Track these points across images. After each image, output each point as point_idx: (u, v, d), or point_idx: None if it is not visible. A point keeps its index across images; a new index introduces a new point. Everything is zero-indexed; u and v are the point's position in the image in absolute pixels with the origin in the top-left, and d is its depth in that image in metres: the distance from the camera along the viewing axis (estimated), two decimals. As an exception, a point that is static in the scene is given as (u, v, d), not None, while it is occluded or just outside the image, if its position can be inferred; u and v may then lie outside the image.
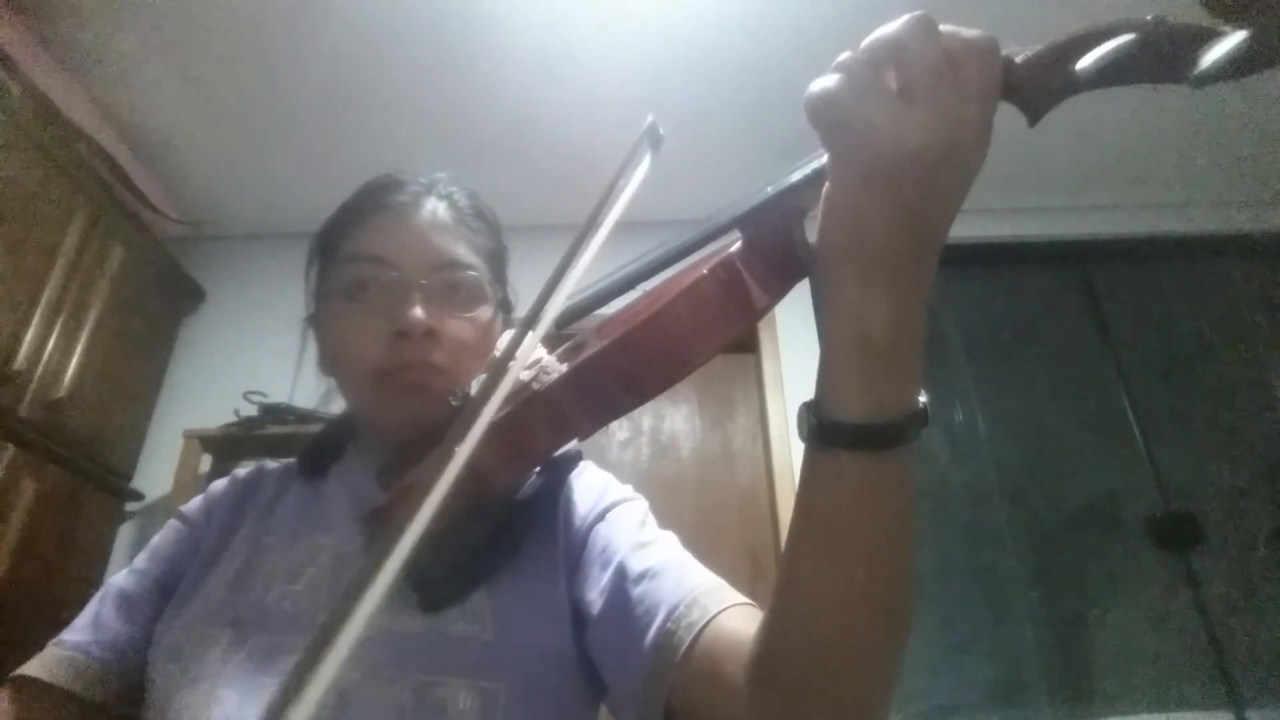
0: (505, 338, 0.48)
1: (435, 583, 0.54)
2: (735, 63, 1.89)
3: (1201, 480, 2.18)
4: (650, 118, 0.55)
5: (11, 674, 0.58)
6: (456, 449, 0.36)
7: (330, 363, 0.66)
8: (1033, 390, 2.35)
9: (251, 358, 2.16)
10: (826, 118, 0.34)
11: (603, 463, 0.69)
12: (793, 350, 2.24)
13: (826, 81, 0.34)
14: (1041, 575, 2.10)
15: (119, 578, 0.65)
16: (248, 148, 2.10)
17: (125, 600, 0.62)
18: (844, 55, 0.34)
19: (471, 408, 0.40)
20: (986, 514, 2.17)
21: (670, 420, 2.24)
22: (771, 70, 1.91)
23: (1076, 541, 2.14)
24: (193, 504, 0.70)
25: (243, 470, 0.73)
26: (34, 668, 0.58)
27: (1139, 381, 2.33)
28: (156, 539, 0.68)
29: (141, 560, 0.66)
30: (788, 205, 0.40)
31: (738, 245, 0.40)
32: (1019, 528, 2.16)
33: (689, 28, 1.79)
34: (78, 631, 0.61)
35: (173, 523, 0.69)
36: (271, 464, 0.73)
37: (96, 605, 0.63)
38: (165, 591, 0.62)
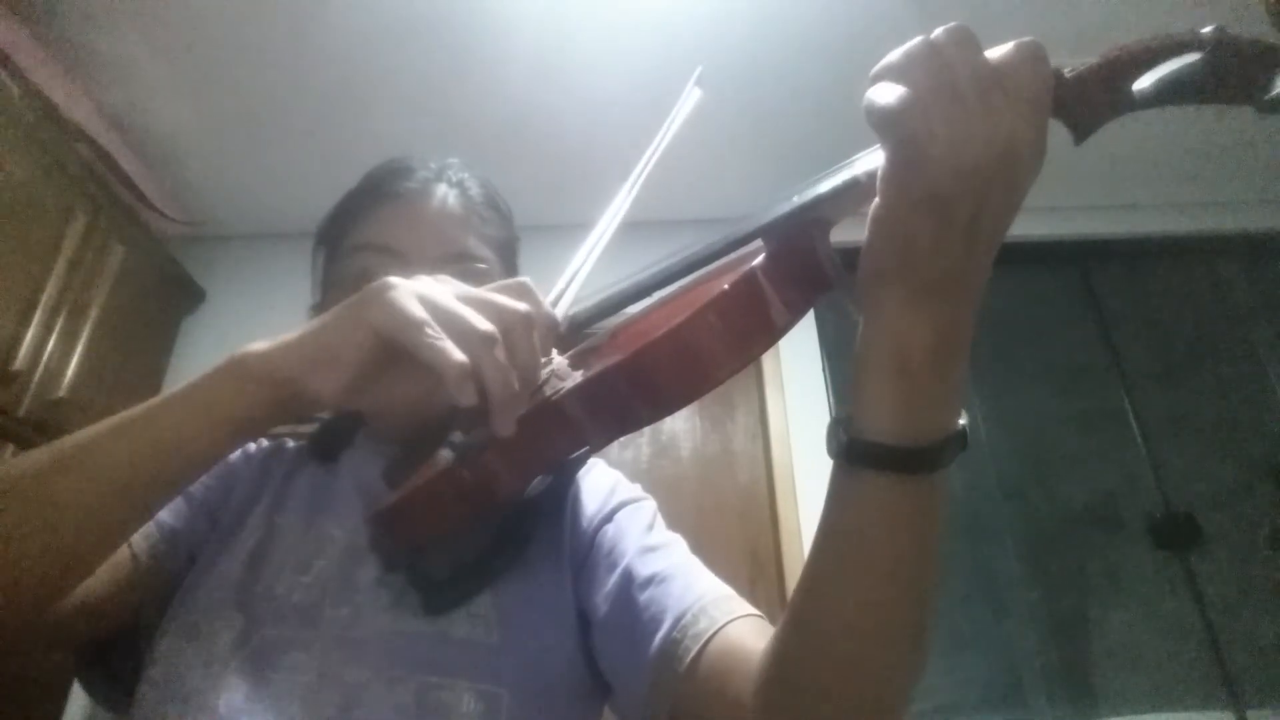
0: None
1: (439, 586, 0.54)
2: (736, 64, 1.89)
3: (1201, 480, 2.18)
4: (699, 69, 0.55)
5: None
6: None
7: None
8: (1033, 390, 2.35)
9: (251, 358, 2.15)
10: (899, 126, 0.31)
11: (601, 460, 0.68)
12: (793, 350, 2.24)
13: (896, 90, 0.31)
14: (1041, 575, 2.10)
15: None
16: (248, 148, 2.10)
17: (182, 497, 0.60)
18: (895, 59, 0.32)
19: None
20: (986, 514, 2.17)
21: (670, 420, 2.23)
22: (773, 71, 1.91)
23: (1076, 541, 2.14)
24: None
25: (267, 440, 0.71)
26: None
27: (1139, 381, 2.33)
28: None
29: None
30: (813, 217, 0.38)
31: (760, 259, 0.38)
32: (1019, 528, 2.16)
33: (689, 28, 1.79)
34: None
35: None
36: (290, 442, 0.72)
37: None
38: (214, 519, 0.60)
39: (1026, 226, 2.43)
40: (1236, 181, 2.43)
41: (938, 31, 0.31)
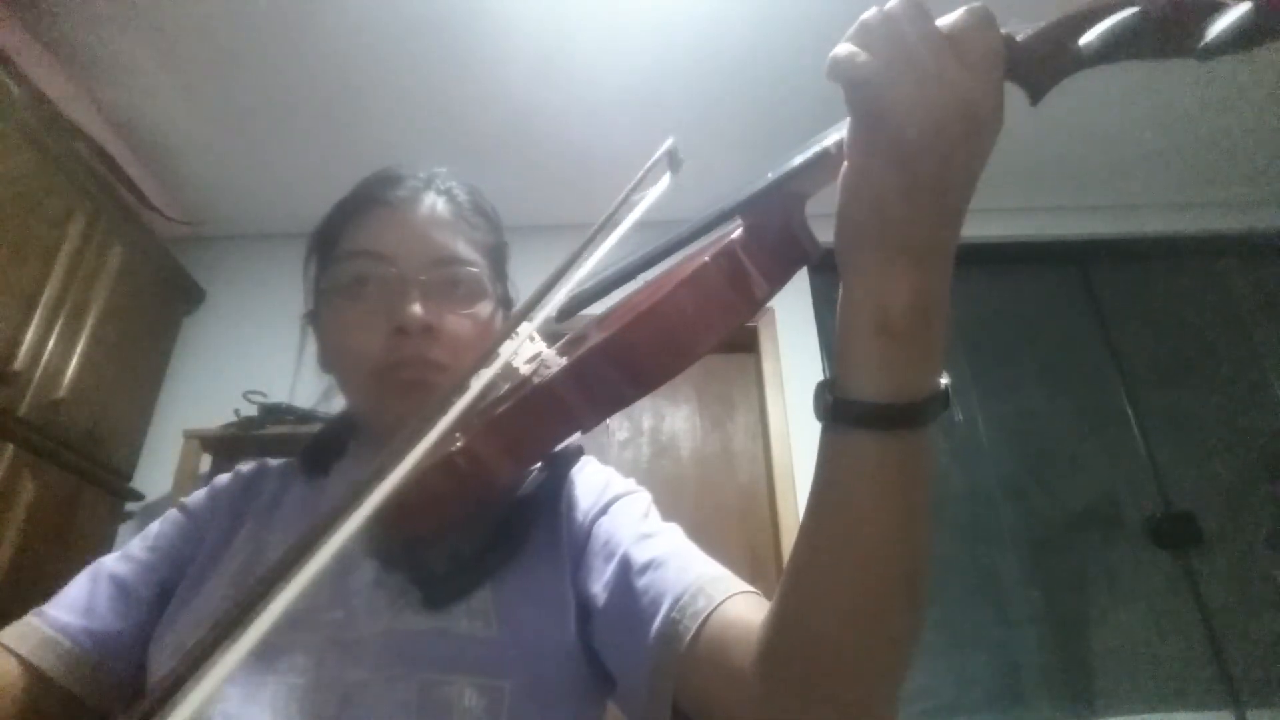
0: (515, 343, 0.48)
1: (439, 579, 0.54)
2: (735, 63, 1.89)
3: (1201, 480, 2.18)
4: (670, 140, 0.55)
5: None
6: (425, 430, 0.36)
7: (329, 360, 0.66)
8: (1033, 390, 2.35)
9: (251, 358, 2.16)
10: (864, 86, 0.33)
11: (603, 462, 0.68)
12: (793, 350, 2.24)
13: (858, 56, 0.33)
14: (1041, 575, 2.10)
15: (113, 561, 0.63)
16: (248, 148, 2.10)
17: (123, 593, 0.61)
18: (853, 31, 0.34)
19: (445, 396, 0.41)
20: (986, 514, 2.17)
21: (670, 420, 2.24)
22: (772, 70, 1.91)
23: (1076, 541, 2.14)
24: (196, 497, 0.69)
25: (245, 466, 0.72)
26: (12, 639, 0.56)
27: (1139, 381, 2.33)
28: (157, 529, 0.66)
29: (140, 549, 0.64)
30: (788, 191, 0.39)
31: (738, 233, 0.39)
32: (1019, 528, 2.16)
33: (689, 28, 1.79)
34: (65, 611, 0.59)
35: (175, 515, 0.67)
36: (273, 462, 0.72)
37: (88, 586, 0.61)
38: (167, 594, 0.61)
39: (1026, 226, 2.43)
40: (1236, 181, 2.43)
41: (891, 2, 0.34)
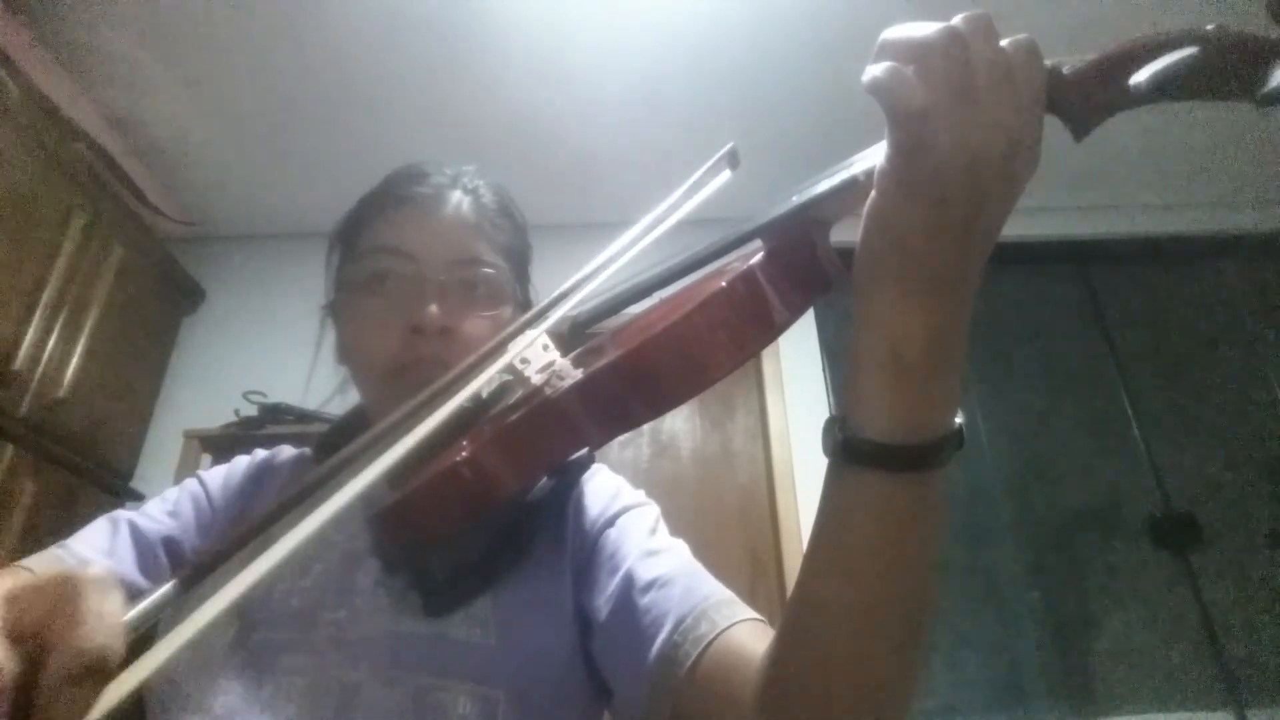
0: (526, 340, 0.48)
1: (439, 587, 0.54)
2: (735, 63, 1.89)
3: (1201, 480, 2.18)
4: (731, 144, 0.54)
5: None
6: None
7: (345, 354, 0.65)
8: (1033, 390, 2.35)
9: (251, 358, 2.16)
10: (917, 118, 0.30)
11: (602, 462, 0.68)
12: (793, 350, 2.24)
13: (913, 87, 0.30)
14: (1041, 575, 2.10)
15: (132, 514, 0.62)
16: (247, 148, 2.10)
17: (142, 545, 0.60)
18: (916, 41, 0.30)
19: (450, 382, 0.40)
20: (986, 514, 2.17)
21: (670, 420, 2.23)
22: (772, 71, 1.91)
23: (1076, 541, 2.14)
24: (214, 476, 0.68)
25: (262, 452, 0.71)
26: (37, 565, 0.55)
27: (1139, 381, 2.33)
28: (176, 495, 0.65)
29: (160, 512, 0.63)
30: (812, 217, 0.38)
31: (759, 257, 0.38)
32: (1019, 528, 2.16)
33: (689, 28, 1.79)
34: (88, 548, 0.57)
35: (194, 486, 0.67)
36: (289, 450, 0.72)
37: (109, 530, 0.60)
38: (173, 559, 0.61)
39: (1026, 226, 2.42)
40: (1236, 181, 2.43)
41: (962, 23, 0.30)
